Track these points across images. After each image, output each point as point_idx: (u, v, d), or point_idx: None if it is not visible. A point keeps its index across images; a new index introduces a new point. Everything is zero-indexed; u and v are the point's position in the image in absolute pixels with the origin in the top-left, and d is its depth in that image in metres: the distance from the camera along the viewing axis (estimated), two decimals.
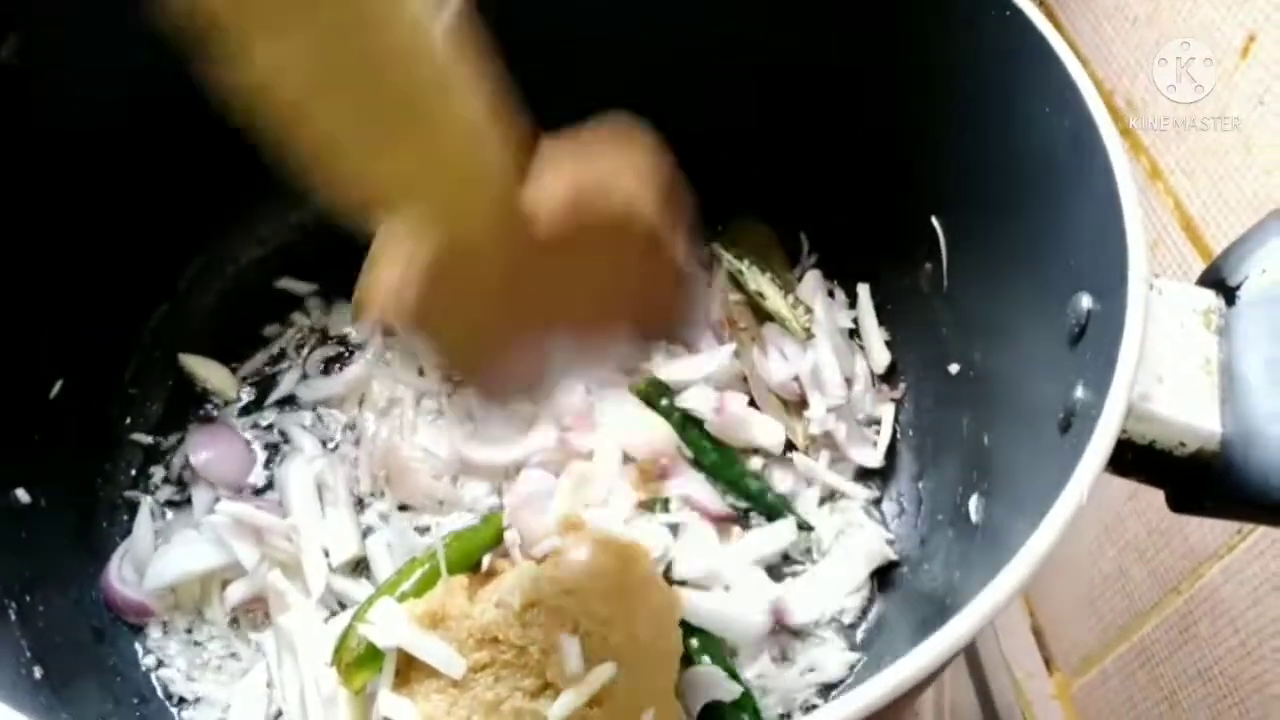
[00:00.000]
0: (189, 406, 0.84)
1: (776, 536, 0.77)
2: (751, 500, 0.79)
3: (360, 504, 0.80)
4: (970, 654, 0.96)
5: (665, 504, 0.77)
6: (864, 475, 0.82)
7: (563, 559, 0.66)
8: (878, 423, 0.83)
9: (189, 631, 0.75)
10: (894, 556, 0.76)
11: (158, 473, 0.81)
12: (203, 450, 0.81)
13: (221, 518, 0.74)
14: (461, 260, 0.45)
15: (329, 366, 0.87)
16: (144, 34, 0.70)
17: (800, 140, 0.83)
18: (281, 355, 0.87)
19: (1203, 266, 0.75)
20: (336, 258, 0.88)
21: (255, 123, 0.37)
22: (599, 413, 0.80)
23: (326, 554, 0.75)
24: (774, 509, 0.78)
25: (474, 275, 0.46)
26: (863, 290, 0.86)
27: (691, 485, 0.78)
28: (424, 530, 0.78)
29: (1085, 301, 0.53)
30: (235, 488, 0.80)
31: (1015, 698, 0.95)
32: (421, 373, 0.85)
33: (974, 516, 0.68)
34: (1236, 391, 0.50)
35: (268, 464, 0.82)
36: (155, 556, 0.75)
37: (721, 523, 0.78)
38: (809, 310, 0.84)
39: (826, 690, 0.73)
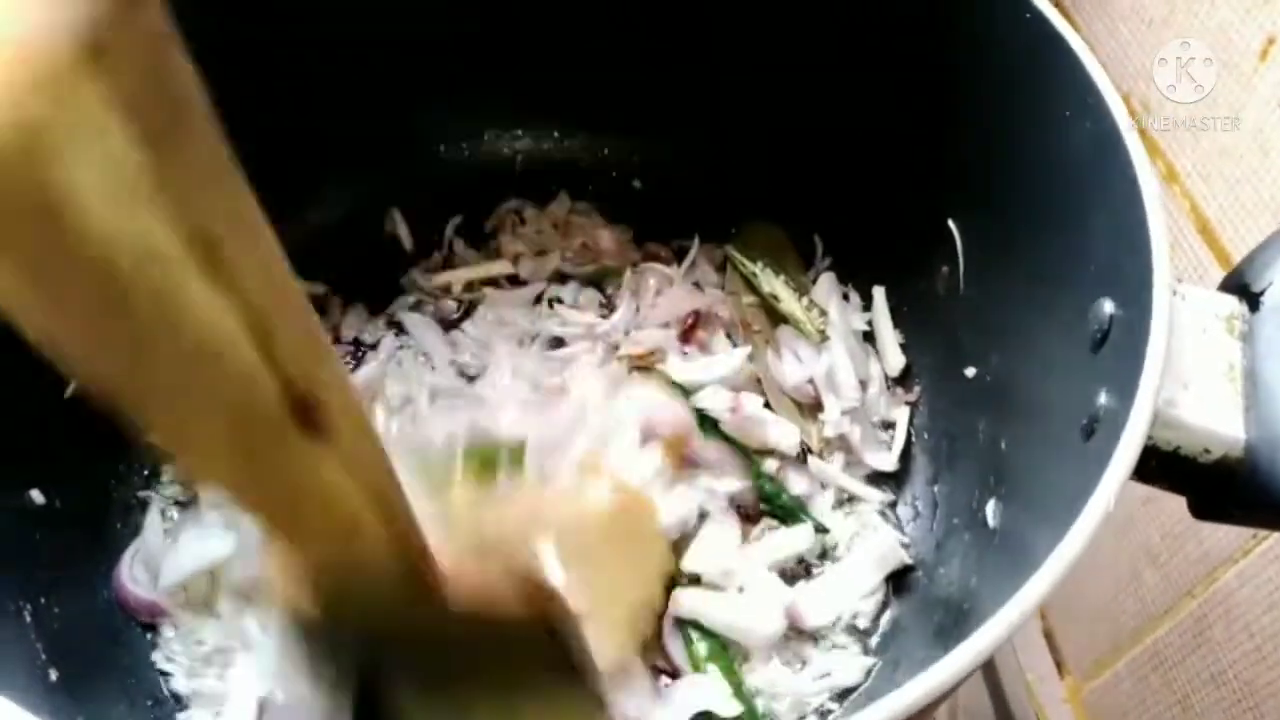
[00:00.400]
0: None
1: (794, 540, 0.76)
2: (767, 502, 0.78)
3: None
4: None
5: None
6: (878, 479, 0.82)
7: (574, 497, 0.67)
8: (892, 426, 0.83)
9: (195, 630, 0.74)
10: (909, 560, 0.76)
11: (168, 472, 0.80)
12: None
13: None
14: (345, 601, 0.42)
15: None
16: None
17: (816, 142, 0.83)
18: None
19: (1219, 270, 0.75)
20: (349, 259, 0.90)
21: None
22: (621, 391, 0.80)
23: None
24: (789, 512, 0.78)
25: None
26: (878, 293, 0.85)
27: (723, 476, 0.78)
28: None
29: (1108, 307, 0.53)
30: None
31: (1029, 701, 0.95)
32: (434, 369, 0.85)
33: (991, 521, 0.67)
34: (1261, 398, 0.50)
35: None
36: (168, 553, 0.74)
37: (746, 521, 0.77)
38: (823, 313, 0.84)
39: (841, 696, 0.73)
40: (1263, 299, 0.52)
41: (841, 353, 0.82)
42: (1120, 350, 0.51)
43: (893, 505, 0.81)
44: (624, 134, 0.93)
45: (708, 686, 0.69)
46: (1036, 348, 0.64)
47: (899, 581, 0.77)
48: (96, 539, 0.75)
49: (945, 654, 0.41)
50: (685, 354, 0.83)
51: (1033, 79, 0.61)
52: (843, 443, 0.81)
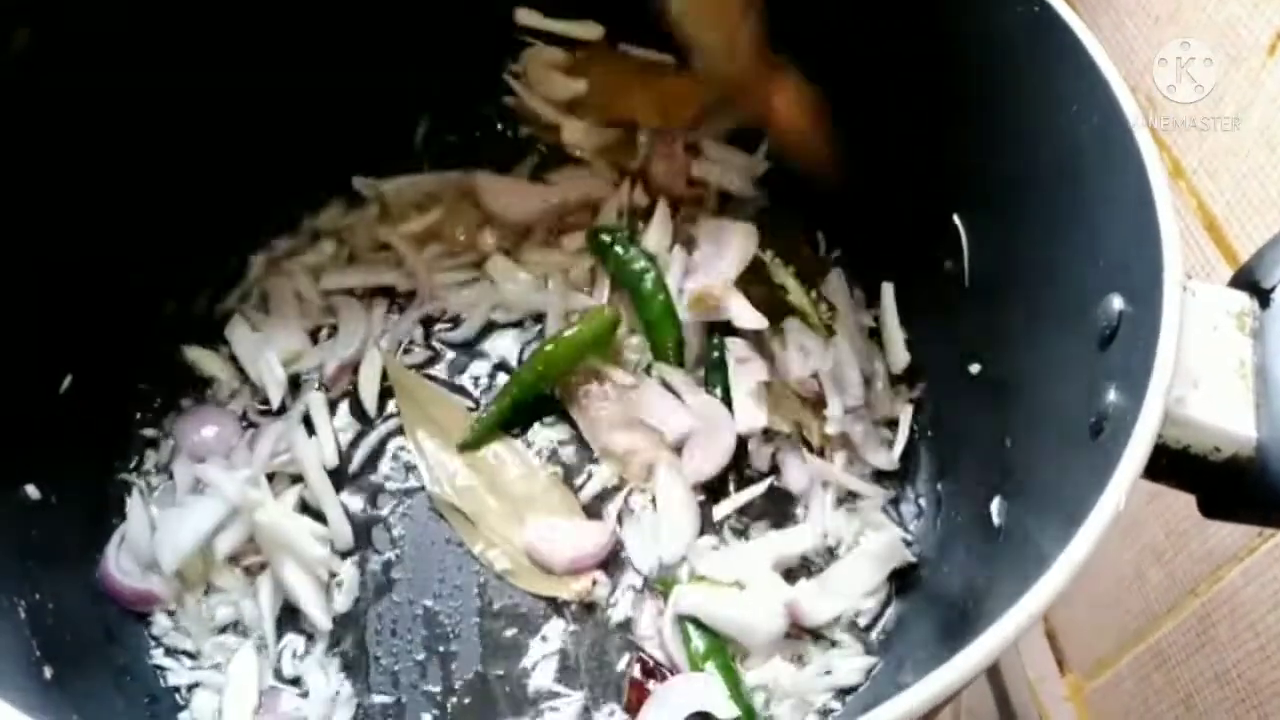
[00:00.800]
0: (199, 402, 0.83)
1: (798, 539, 0.76)
2: None
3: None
4: None
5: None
6: (881, 476, 0.81)
7: None
8: (895, 423, 0.82)
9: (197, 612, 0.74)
10: (912, 558, 0.75)
11: (150, 458, 0.80)
12: (191, 433, 0.80)
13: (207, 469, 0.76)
14: None
15: None
16: (156, 26, 0.71)
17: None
18: None
19: (1226, 267, 0.75)
20: None
21: None
22: None
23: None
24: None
25: None
26: (886, 289, 0.85)
27: None
28: None
29: (1116, 303, 0.52)
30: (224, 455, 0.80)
31: (1031, 700, 0.95)
32: None
33: (997, 519, 0.67)
34: (1271, 395, 0.49)
35: None
36: (163, 538, 0.73)
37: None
38: (831, 308, 0.83)
39: (843, 694, 0.72)
40: (1273, 295, 0.52)
41: (847, 350, 0.81)
42: (1129, 347, 0.50)
43: (895, 502, 0.80)
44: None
45: (705, 686, 0.69)
46: (1043, 345, 0.63)
47: (901, 580, 0.76)
48: (91, 534, 0.75)
49: (949, 653, 0.41)
50: None
51: (1040, 73, 0.60)
52: (844, 440, 0.81)
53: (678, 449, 0.80)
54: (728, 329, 0.83)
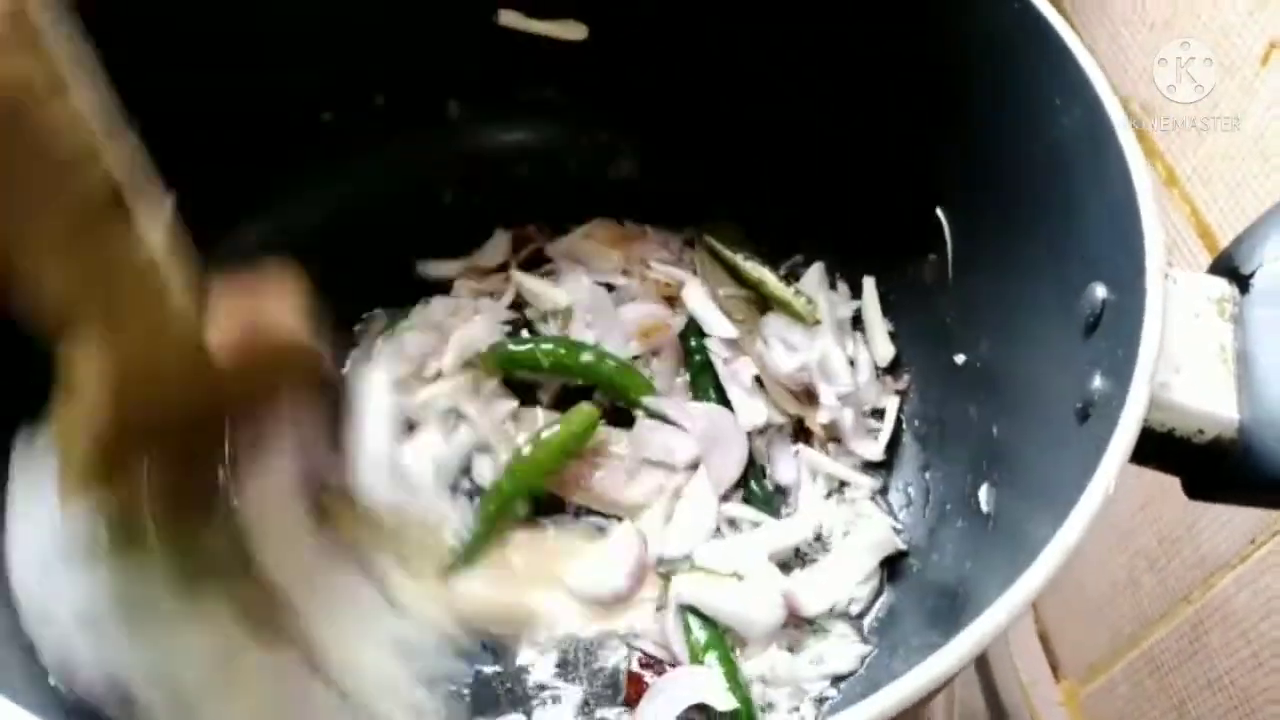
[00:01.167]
0: None
1: (793, 530, 0.77)
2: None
3: None
4: (979, 659, 0.95)
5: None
6: (869, 466, 0.82)
7: None
8: (881, 414, 0.83)
9: None
10: (902, 546, 0.76)
11: None
12: None
13: None
14: (146, 387, 0.49)
15: None
16: (152, 28, 0.71)
17: (804, 131, 0.83)
18: None
19: None
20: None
21: None
22: None
23: None
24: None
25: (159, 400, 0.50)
26: (868, 283, 0.86)
27: None
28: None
29: (1100, 291, 0.53)
30: None
31: (1024, 704, 0.95)
32: None
33: (985, 507, 0.68)
34: (1253, 379, 0.50)
35: None
36: None
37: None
38: (810, 300, 0.84)
39: (838, 681, 0.73)
40: (1252, 281, 0.53)
41: (831, 339, 0.82)
42: (1113, 334, 0.51)
43: (884, 492, 0.81)
44: (605, 126, 0.93)
45: (705, 679, 0.69)
46: (1027, 333, 0.64)
47: (892, 568, 0.77)
48: None
49: (941, 639, 0.41)
50: None
51: (1022, 68, 0.61)
52: (833, 430, 0.81)
53: (693, 465, 0.80)
54: (700, 331, 0.84)
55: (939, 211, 0.75)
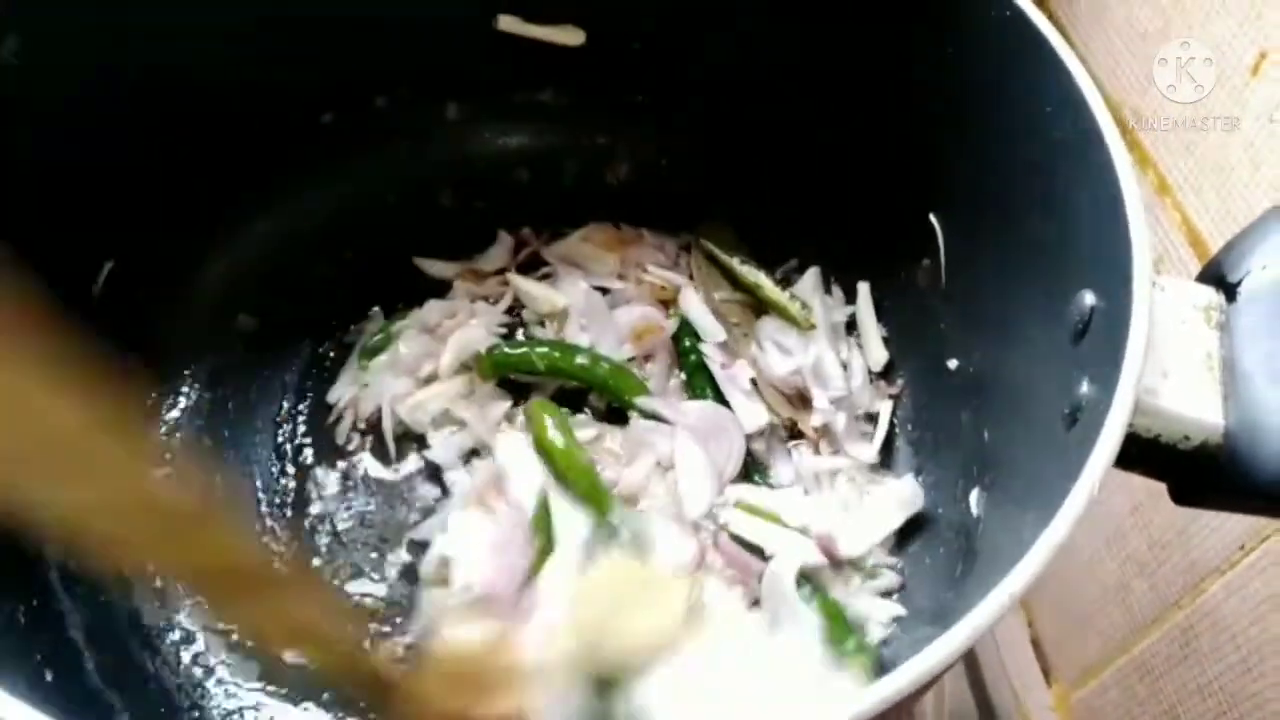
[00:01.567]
0: None
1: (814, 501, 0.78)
2: None
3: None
4: (970, 663, 0.96)
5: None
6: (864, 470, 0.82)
7: None
8: (875, 419, 0.84)
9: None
10: (924, 505, 0.76)
11: None
12: None
13: None
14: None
15: None
16: (144, 31, 0.71)
17: (797, 137, 0.84)
18: None
19: None
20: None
21: None
22: None
23: None
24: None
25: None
26: (862, 287, 0.86)
27: None
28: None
29: (1088, 299, 0.54)
30: None
31: (1016, 708, 0.96)
32: None
33: (975, 510, 0.68)
34: (1238, 386, 0.51)
35: None
36: None
37: None
38: (805, 305, 0.84)
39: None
40: (1239, 289, 0.53)
41: (825, 343, 0.83)
42: (1101, 341, 0.52)
43: None
44: (602, 130, 0.94)
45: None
46: (1018, 339, 0.65)
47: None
48: None
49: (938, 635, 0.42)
50: None
51: (1013, 75, 0.61)
52: (827, 432, 0.82)
53: None
54: (694, 334, 0.85)
55: (932, 217, 0.75)
